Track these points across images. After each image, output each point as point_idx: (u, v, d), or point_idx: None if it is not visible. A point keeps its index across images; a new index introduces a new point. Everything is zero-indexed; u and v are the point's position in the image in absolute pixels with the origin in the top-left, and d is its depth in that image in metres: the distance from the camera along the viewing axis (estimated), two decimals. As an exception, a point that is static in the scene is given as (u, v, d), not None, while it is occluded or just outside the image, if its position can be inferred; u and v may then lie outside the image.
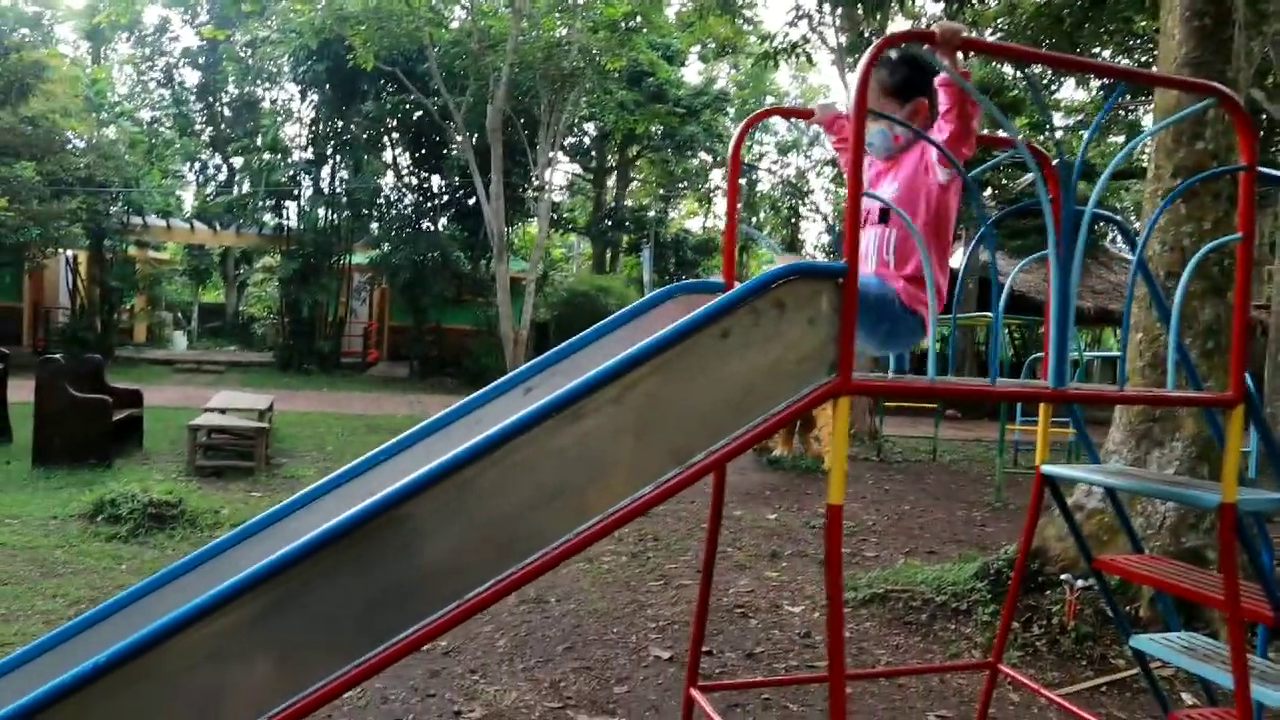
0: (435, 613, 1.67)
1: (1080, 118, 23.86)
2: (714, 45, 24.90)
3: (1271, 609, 2.43)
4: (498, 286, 15.11)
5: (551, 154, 15.68)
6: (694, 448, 1.81)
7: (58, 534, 6.66)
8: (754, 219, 35.60)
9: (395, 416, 15.34)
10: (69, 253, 21.62)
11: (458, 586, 1.68)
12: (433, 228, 22.18)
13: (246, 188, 28.52)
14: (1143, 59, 17.00)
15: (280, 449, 11.15)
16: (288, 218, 22.95)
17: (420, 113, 20.48)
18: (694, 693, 2.67)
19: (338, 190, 22.10)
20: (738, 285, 2.12)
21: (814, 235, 40.10)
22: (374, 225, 23.08)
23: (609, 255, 29.13)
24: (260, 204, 23.12)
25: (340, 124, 21.73)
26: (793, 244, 38.29)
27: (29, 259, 20.12)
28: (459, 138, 15.58)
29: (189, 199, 30.87)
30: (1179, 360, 2.43)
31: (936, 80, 2.16)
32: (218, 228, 23.72)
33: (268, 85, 26.51)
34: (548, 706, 4.05)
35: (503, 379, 2.38)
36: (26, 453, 9.54)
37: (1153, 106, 5.57)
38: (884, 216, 2.29)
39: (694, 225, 36.98)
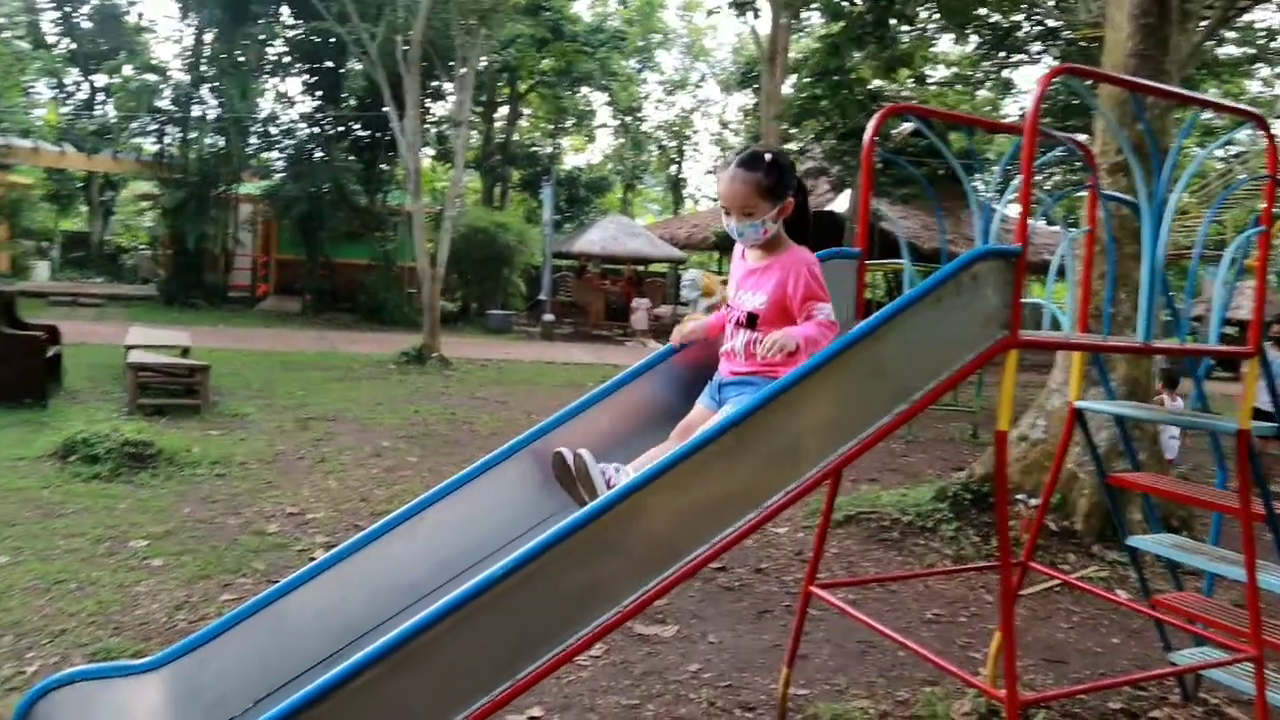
0: (741, 519, 2.13)
1: (955, 70, 25.12)
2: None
3: (1265, 511, 3.13)
4: (414, 223, 15.03)
5: (458, 90, 15.58)
6: (915, 386, 2.31)
7: (34, 475, 6.61)
8: (640, 157, 35.99)
9: (307, 353, 15.21)
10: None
11: (757, 498, 2.14)
12: (328, 159, 21.58)
13: (112, 108, 26.87)
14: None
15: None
16: (169, 143, 21.83)
17: (316, 38, 19.81)
18: (814, 589, 3.19)
19: (224, 116, 21.17)
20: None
21: (696, 176, 40.81)
22: (265, 154, 22.27)
23: (498, 191, 28.97)
24: (137, 128, 21.90)
25: (227, 45, 20.73)
26: (676, 183, 38.95)
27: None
28: (360, 66, 15.27)
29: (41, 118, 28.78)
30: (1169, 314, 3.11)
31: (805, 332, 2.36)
32: (89, 152, 22.34)
33: (133, -1, 24.95)
34: (606, 617, 4.53)
35: (641, 363, 2.80)
36: (-56, 392, 9.20)
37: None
38: (751, 321, 2.51)
39: (579, 161, 37.14)
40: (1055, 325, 3.36)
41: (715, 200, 35.33)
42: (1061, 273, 3.21)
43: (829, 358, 2.18)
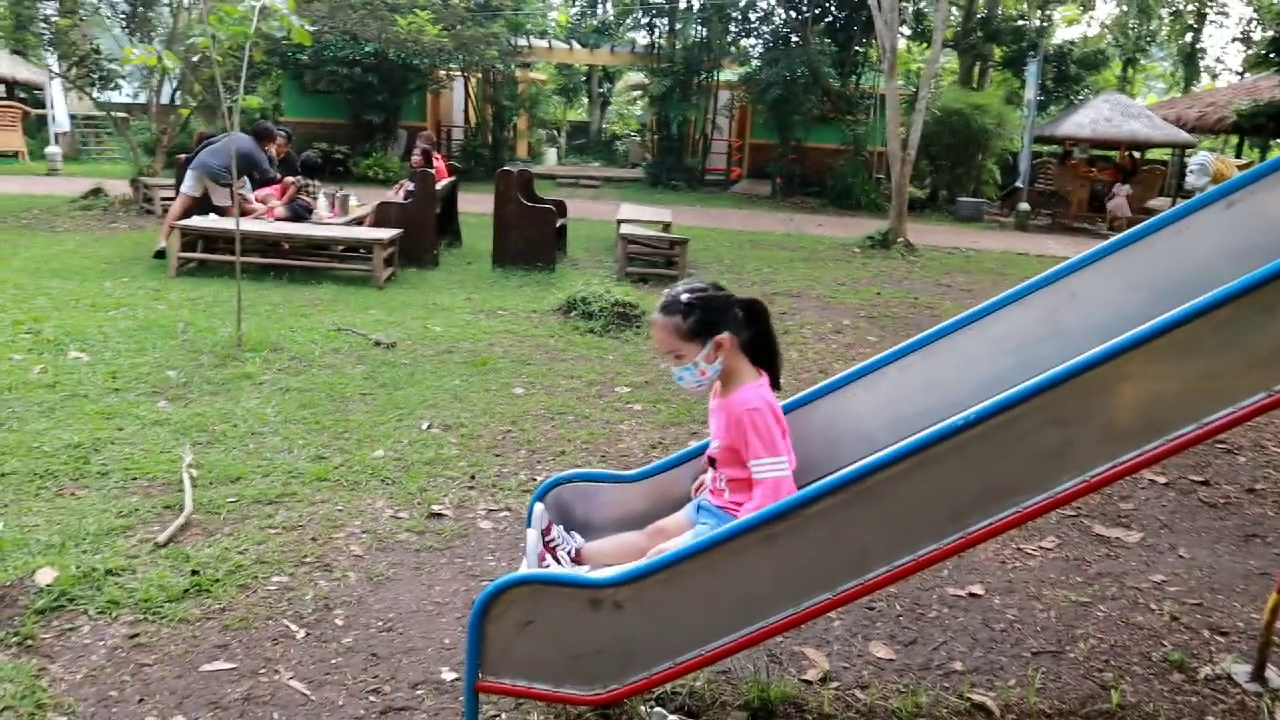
0: (1245, 400, 1.89)
1: None
2: None
3: None
4: (887, 105, 14.73)
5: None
6: None
7: (542, 326, 7.72)
8: (1148, 26, 31.54)
9: (773, 233, 15.82)
10: (463, 75, 23.47)
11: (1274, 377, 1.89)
12: (802, 43, 21.74)
13: (610, 5, 29.44)
14: None
15: (683, 260, 11.95)
16: (658, 35, 23.43)
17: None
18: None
19: (706, 5, 22.16)
20: None
21: (1218, 45, 34.80)
22: (743, 41, 23.03)
23: (977, 70, 27.15)
24: (630, 22, 23.73)
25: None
26: (1191, 55, 33.65)
27: (434, 82, 22.17)
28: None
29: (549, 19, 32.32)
30: None
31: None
32: (591, 47, 24.78)
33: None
34: (1062, 514, 4.31)
35: (1161, 215, 2.48)
36: (478, 256, 11.01)
37: None
38: (712, 462, 2.48)
39: (1071, 34, 33.45)
40: None
41: (1242, 74, 30.01)
42: None
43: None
